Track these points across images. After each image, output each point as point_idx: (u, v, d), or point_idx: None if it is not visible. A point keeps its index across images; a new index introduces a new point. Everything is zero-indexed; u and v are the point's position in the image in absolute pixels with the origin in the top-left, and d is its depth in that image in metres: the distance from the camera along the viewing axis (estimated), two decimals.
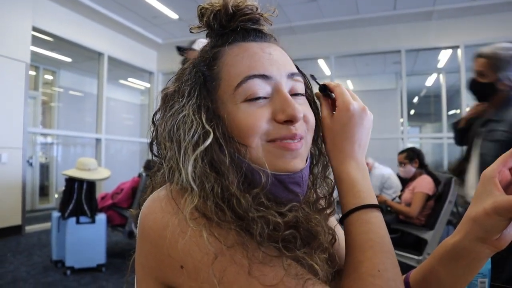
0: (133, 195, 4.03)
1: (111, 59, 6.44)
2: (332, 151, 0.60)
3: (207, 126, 0.54)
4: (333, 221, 0.69)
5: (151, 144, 0.61)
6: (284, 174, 0.55)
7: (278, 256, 0.48)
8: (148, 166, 4.34)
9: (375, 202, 0.56)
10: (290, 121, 0.54)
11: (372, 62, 7.41)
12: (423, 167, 3.40)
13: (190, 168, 0.51)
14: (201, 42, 2.65)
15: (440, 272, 0.56)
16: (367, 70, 7.96)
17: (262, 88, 0.55)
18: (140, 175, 4.17)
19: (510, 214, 0.47)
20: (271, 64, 0.56)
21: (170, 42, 6.97)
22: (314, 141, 0.64)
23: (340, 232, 0.66)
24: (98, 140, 6.35)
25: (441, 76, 7.70)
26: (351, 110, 0.59)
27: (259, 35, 0.60)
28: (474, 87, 1.90)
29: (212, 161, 0.53)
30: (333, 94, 0.62)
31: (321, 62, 6.88)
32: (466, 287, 0.56)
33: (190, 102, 0.56)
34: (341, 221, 0.56)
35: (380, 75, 8.34)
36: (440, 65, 7.13)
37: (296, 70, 0.60)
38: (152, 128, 0.61)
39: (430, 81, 8.47)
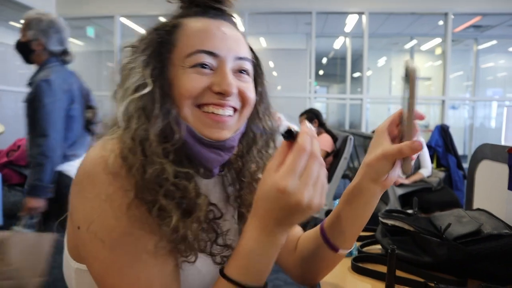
0: None
1: None
2: (253, 209, 0.56)
3: (148, 80, 0.61)
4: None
5: (114, 94, 0.65)
6: (207, 140, 0.62)
7: (155, 201, 0.56)
8: None
9: (257, 284, 0.55)
10: (223, 94, 0.62)
11: (284, 22, 7.54)
12: (322, 126, 3.71)
13: (123, 108, 0.60)
14: None
15: (346, 210, 0.71)
16: (279, 29, 8.09)
17: (208, 61, 0.62)
18: None
19: (393, 158, 0.63)
20: (222, 43, 0.63)
21: None
22: (258, 117, 0.72)
23: None
24: None
25: (347, 39, 8.17)
26: (283, 194, 0.51)
27: (218, 13, 0.67)
28: (17, 47, 1.94)
29: (144, 109, 0.60)
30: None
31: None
32: None
33: (141, 58, 0.62)
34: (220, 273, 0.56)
35: (292, 35, 8.55)
36: (347, 29, 7.56)
37: (244, 55, 0.65)
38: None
39: (338, 44, 8.93)
